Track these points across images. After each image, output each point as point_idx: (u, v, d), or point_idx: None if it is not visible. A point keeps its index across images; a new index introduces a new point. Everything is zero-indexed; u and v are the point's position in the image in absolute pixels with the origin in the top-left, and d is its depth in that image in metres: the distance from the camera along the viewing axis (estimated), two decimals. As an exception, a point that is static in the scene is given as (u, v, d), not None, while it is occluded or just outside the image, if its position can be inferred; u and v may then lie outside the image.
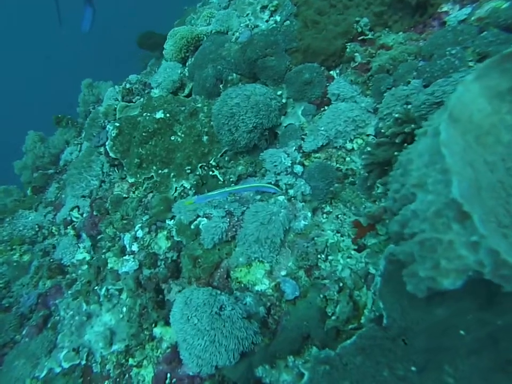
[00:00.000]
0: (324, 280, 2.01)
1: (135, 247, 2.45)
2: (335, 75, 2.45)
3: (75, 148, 4.03)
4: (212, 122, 2.70)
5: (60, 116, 4.22)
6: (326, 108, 2.39)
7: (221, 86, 2.78)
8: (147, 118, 2.92)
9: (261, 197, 2.29)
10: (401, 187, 1.30)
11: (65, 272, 3.05)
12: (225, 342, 1.71)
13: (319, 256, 2.04)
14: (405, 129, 1.59)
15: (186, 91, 3.13)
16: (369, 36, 2.37)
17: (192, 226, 2.25)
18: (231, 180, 2.52)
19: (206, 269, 2.16)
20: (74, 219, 3.27)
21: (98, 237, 2.92)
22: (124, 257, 2.46)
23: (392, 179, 1.46)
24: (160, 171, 2.81)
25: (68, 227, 3.25)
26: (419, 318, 1.28)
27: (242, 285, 2.10)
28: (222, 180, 2.59)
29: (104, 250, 2.71)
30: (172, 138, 2.82)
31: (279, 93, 2.53)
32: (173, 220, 2.46)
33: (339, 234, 2.11)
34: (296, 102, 2.50)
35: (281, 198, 2.21)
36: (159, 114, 2.88)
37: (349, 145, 2.20)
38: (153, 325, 2.17)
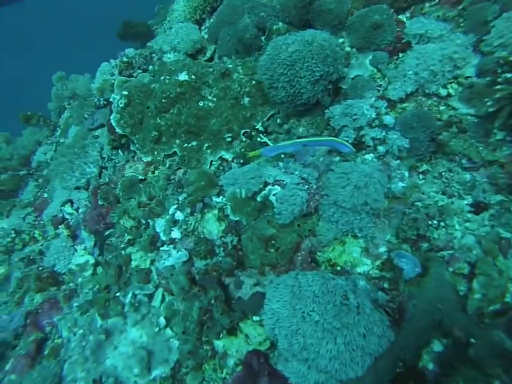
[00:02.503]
0: (441, 252, 1.58)
1: (176, 234, 1.84)
2: (404, 19, 2.09)
3: (50, 148, 3.33)
4: (253, 81, 2.22)
5: (29, 113, 3.51)
6: (400, 55, 2.00)
7: (262, 38, 2.31)
8: (166, 81, 2.36)
9: (340, 159, 1.83)
10: None
11: (60, 282, 2.35)
12: (362, 342, 1.19)
13: (429, 222, 1.61)
14: None
15: (208, 54, 2.62)
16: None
17: (258, 199, 1.71)
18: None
19: (285, 251, 1.63)
20: (67, 216, 2.58)
21: (107, 232, 2.27)
22: (161, 248, 1.84)
23: None
24: (186, 144, 2.25)
25: (60, 226, 2.56)
26: None
27: (339, 268, 1.60)
28: (274, 148, 2.09)
29: (122, 245, 2.07)
30: (200, 104, 2.29)
31: (340, 40, 2.12)
32: (221, 197, 1.91)
33: (445, 196, 1.70)
34: (360, 51, 2.10)
35: (369, 156, 1.77)
36: (183, 76, 2.34)
37: (443, 91, 1.82)
38: (220, 335, 1.58)
